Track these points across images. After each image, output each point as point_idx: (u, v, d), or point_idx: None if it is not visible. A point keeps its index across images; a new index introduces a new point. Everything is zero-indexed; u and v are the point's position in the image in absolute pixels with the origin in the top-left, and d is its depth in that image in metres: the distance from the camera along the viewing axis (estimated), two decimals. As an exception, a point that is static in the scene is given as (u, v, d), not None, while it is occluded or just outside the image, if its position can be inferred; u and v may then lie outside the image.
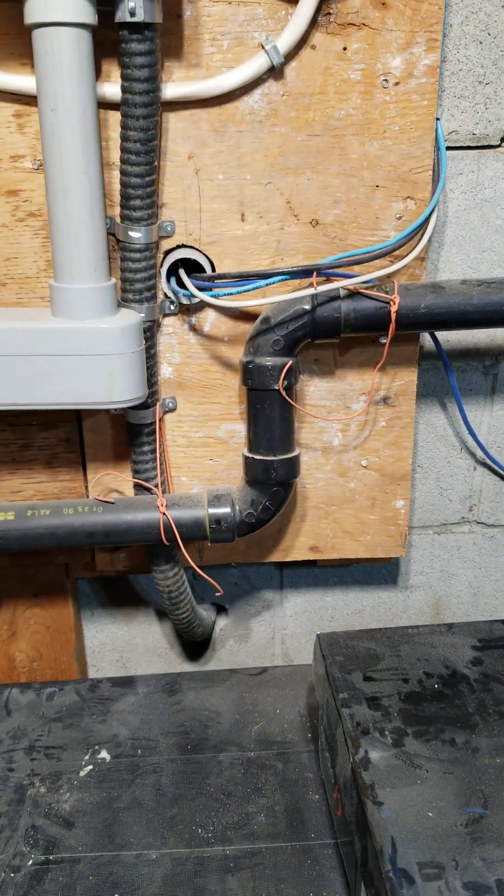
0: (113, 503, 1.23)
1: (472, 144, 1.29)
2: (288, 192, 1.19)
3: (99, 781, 1.14)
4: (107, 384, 1.12)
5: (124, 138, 1.08)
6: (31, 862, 1.02)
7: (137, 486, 1.28)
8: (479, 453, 1.51)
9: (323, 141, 1.16)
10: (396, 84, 1.14)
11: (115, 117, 1.10)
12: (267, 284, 1.14)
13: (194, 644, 1.63)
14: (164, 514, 1.22)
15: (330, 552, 1.44)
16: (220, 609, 1.62)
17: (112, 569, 1.41)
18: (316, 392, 1.32)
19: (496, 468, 1.52)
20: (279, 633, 1.65)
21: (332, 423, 1.34)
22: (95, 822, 1.08)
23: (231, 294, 1.15)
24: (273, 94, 1.13)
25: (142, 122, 1.06)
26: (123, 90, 1.05)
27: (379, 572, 1.61)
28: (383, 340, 1.22)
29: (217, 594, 1.44)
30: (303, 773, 1.17)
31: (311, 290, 1.12)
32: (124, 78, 1.04)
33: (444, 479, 1.53)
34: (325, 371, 1.31)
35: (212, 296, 1.15)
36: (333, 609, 1.64)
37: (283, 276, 1.14)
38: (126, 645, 1.61)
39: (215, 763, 1.17)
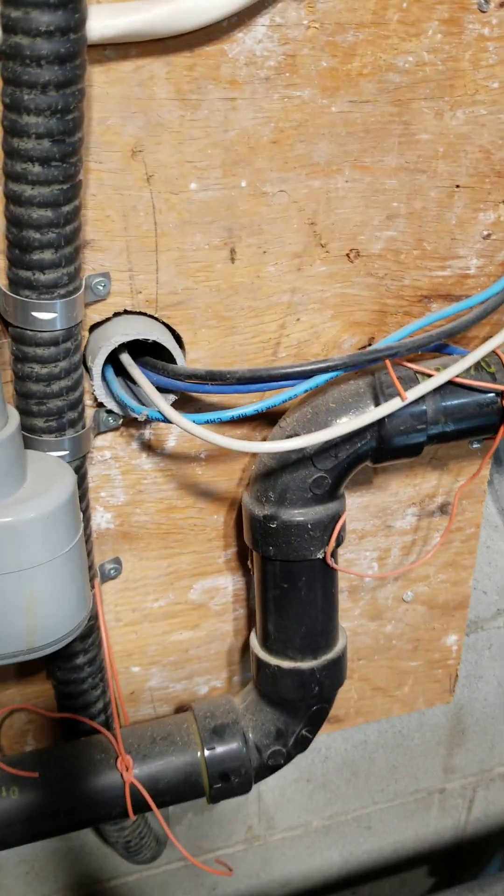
0: (36, 777, 0.69)
1: None
2: (311, 206, 0.65)
3: None
4: (22, 621, 0.57)
5: (12, 130, 0.51)
6: None
7: (66, 722, 0.75)
8: (527, 530, 1.07)
9: (376, 112, 0.63)
10: (501, 5, 0.62)
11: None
12: (304, 392, 0.62)
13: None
14: (131, 782, 0.70)
15: (353, 719, 0.98)
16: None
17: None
18: (343, 514, 0.81)
19: (544, 544, 1.09)
20: (255, 789, 1.18)
21: (367, 551, 0.85)
22: None
23: (240, 416, 0.62)
24: (290, 25, 0.59)
25: (52, 94, 0.49)
26: (5, 29, 0.47)
27: (389, 694, 1.16)
28: (477, 446, 0.73)
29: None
30: None
31: (395, 403, 0.61)
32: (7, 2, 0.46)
33: (480, 569, 1.09)
34: (358, 481, 0.81)
35: (201, 420, 0.62)
36: (327, 747, 1.19)
37: (334, 372, 0.62)
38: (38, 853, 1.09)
39: None
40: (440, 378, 0.62)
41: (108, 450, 0.71)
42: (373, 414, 0.60)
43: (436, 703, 1.00)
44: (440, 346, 0.70)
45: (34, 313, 0.57)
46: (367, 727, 1.19)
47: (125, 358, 0.65)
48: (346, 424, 0.59)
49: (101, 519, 0.74)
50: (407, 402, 0.60)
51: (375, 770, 1.24)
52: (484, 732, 1.29)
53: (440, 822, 1.37)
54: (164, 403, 0.60)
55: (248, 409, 0.61)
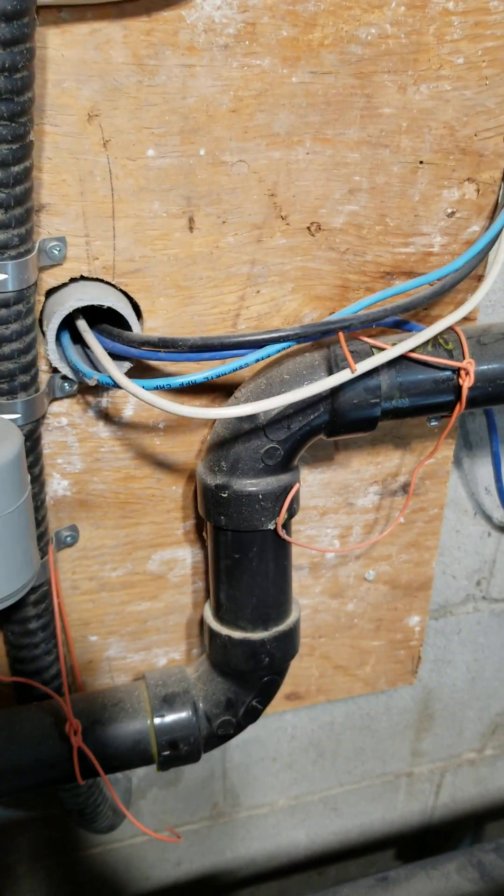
0: (-13, 736, 0.70)
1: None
2: (272, 176, 0.65)
3: None
4: (-34, 578, 0.58)
5: (-38, 86, 0.51)
6: None
7: (19, 686, 0.75)
8: (498, 515, 1.07)
9: (337, 84, 0.63)
10: (467, -23, 0.62)
11: None
12: (255, 361, 0.62)
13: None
14: (79, 746, 0.70)
15: (314, 696, 0.98)
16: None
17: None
18: (305, 488, 0.82)
19: (517, 531, 1.09)
20: (220, 766, 1.19)
21: (329, 528, 0.85)
22: None
23: (188, 382, 0.62)
24: (250, -9, 0.59)
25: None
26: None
27: (357, 676, 1.16)
28: (434, 423, 0.73)
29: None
30: None
31: (344, 374, 0.61)
32: (-45, -47, 0.46)
33: (450, 553, 1.09)
34: (319, 457, 0.81)
35: (150, 386, 0.62)
36: (293, 726, 1.19)
37: (286, 343, 0.62)
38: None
39: None
40: (393, 352, 0.62)
41: (65, 416, 0.71)
42: (322, 384, 0.60)
43: (398, 684, 1.01)
44: (400, 323, 0.70)
45: (-15, 273, 0.57)
46: (334, 708, 1.19)
47: (81, 324, 0.65)
48: (294, 393, 0.59)
49: (58, 486, 0.74)
50: (357, 374, 0.60)
51: (342, 751, 1.25)
52: (452, 718, 1.29)
53: (407, 806, 1.38)
54: (113, 367, 0.60)
55: (198, 377, 0.61)
